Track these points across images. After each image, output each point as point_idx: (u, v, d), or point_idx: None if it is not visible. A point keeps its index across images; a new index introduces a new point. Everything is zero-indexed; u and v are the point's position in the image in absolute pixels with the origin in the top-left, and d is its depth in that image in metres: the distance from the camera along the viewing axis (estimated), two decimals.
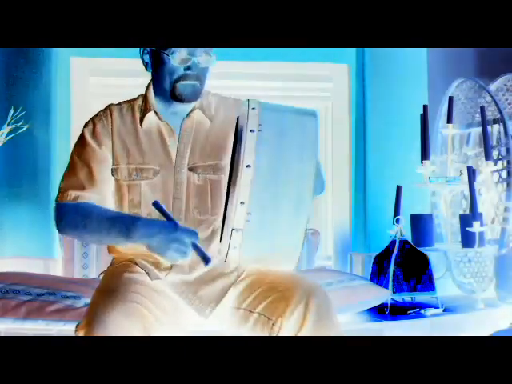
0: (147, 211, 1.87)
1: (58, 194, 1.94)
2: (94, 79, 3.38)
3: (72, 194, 1.90)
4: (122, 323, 1.62)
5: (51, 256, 3.07)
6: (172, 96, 1.89)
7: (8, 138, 2.87)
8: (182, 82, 1.87)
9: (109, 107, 1.98)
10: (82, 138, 1.96)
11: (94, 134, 1.93)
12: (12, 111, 2.89)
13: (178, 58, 1.85)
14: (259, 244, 1.67)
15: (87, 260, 2.91)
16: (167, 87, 1.89)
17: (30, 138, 3.03)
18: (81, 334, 1.64)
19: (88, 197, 1.90)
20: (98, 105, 3.28)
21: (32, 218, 3.08)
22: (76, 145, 1.97)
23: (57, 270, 2.98)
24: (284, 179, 1.63)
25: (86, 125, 1.97)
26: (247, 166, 1.60)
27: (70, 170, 1.94)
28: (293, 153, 1.64)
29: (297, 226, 1.67)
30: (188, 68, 1.86)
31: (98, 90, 3.40)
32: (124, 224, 1.80)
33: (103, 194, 1.92)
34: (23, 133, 2.91)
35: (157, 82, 1.92)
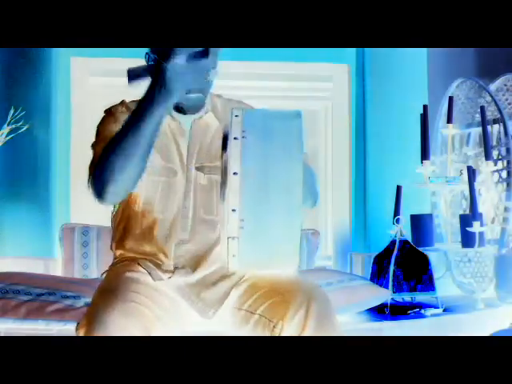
0: (160, 208, 1.87)
1: (90, 165, 1.82)
2: (94, 79, 3.38)
3: None
4: (121, 322, 1.62)
5: (51, 256, 3.07)
6: (175, 108, 1.90)
7: (8, 137, 2.87)
8: (184, 96, 1.85)
9: (123, 102, 1.96)
10: (108, 116, 1.90)
11: (117, 119, 1.88)
12: (12, 111, 2.89)
13: None
14: (257, 250, 1.67)
15: (87, 260, 2.91)
16: None
17: (29, 137, 3.03)
18: (81, 332, 1.64)
19: None
20: (98, 105, 3.31)
21: (32, 218, 3.08)
22: (101, 124, 1.90)
23: (57, 270, 2.99)
24: (273, 182, 1.63)
25: (106, 112, 1.92)
26: (234, 174, 1.61)
27: (100, 141, 1.84)
28: (279, 153, 1.64)
29: (292, 227, 1.67)
30: None
31: (98, 89, 3.40)
32: (135, 113, 1.72)
33: None
34: (23, 133, 2.91)
35: None
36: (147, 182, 1.87)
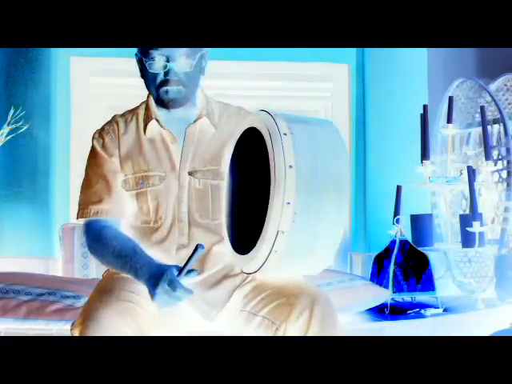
0: (156, 217, 1.88)
1: (79, 210, 1.94)
2: (94, 79, 3.38)
3: (91, 209, 1.90)
4: (115, 321, 1.63)
5: (51, 256, 3.08)
6: (158, 102, 1.90)
7: (8, 137, 2.87)
8: (163, 88, 1.86)
9: (114, 119, 1.98)
10: (93, 151, 1.96)
11: (103, 146, 1.93)
12: (12, 111, 2.89)
13: (154, 64, 1.85)
14: (301, 247, 1.64)
15: (87, 260, 2.91)
16: (153, 94, 1.90)
17: (29, 138, 3.04)
18: (76, 331, 1.65)
19: (107, 210, 1.89)
20: (98, 105, 3.32)
21: (32, 218, 3.08)
22: (89, 159, 1.97)
23: (57, 270, 2.99)
24: (324, 180, 1.62)
25: (95, 138, 1.96)
26: (290, 167, 1.59)
27: (87, 184, 1.94)
28: (326, 155, 1.64)
29: (339, 225, 1.65)
30: (166, 74, 1.85)
31: (98, 89, 3.40)
32: (132, 269, 1.79)
33: (121, 204, 1.91)
34: (23, 133, 2.91)
35: (147, 88, 1.93)
36: (139, 192, 1.89)
